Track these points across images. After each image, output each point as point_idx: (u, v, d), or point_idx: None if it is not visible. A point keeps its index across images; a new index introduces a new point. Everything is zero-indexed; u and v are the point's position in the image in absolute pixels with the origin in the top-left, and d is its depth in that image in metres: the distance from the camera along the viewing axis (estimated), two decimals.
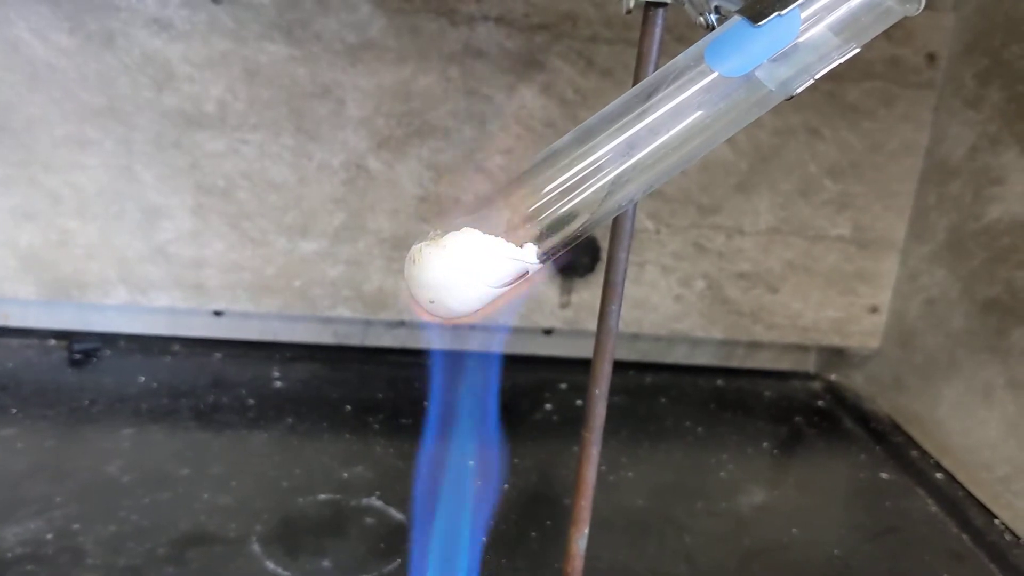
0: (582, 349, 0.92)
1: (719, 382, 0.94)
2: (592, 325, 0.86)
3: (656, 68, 0.33)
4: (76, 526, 0.61)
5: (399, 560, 0.61)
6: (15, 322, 0.86)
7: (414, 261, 0.26)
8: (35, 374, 0.81)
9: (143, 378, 0.82)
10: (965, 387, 0.78)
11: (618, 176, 0.25)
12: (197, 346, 0.88)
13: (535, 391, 0.87)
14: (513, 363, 0.88)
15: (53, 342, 0.86)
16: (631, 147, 0.25)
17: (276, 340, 0.90)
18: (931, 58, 0.83)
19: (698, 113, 0.25)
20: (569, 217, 0.25)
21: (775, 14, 0.24)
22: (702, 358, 0.95)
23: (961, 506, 0.75)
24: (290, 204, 0.81)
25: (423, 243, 0.26)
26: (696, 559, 0.65)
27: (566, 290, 0.87)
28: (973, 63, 0.80)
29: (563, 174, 0.25)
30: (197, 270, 0.82)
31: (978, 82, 0.79)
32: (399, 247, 0.83)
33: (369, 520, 0.65)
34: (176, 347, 0.87)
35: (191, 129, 0.78)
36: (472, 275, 0.25)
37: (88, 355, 0.84)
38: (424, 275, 0.25)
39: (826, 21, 0.25)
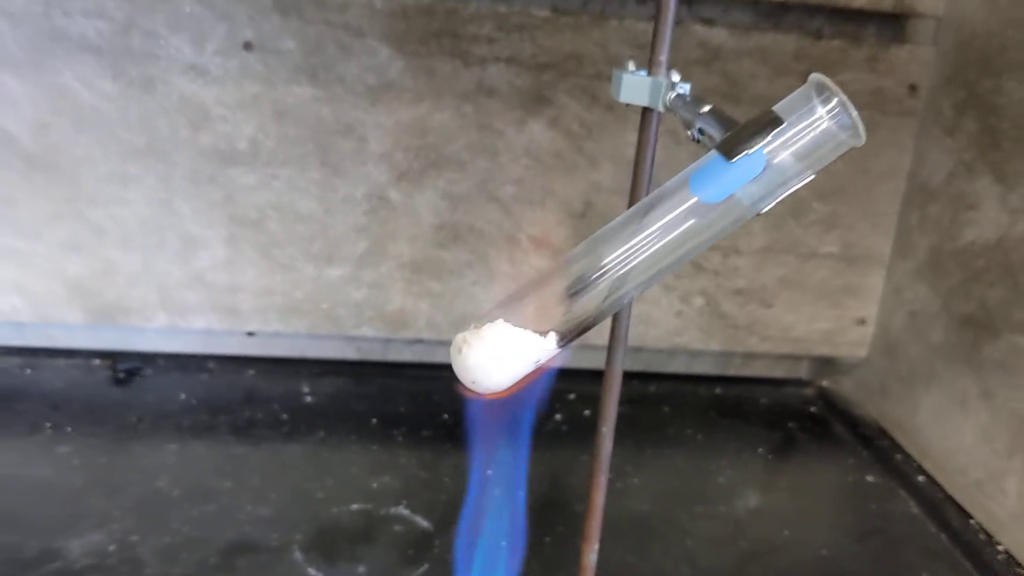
0: (590, 361, 0.98)
1: (718, 390, 1.00)
2: (598, 340, 0.93)
3: (652, 162, 0.39)
4: (134, 538, 0.68)
5: (427, 565, 0.68)
6: (61, 343, 0.92)
7: (459, 350, 0.32)
8: (83, 392, 0.87)
9: (183, 395, 0.88)
10: (943, 396, 0.85)
11: (621, 279, 0.31)
12: (231, 363, 0.94)
13: (546, 401, 0.93)
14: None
15: (97, 362, 0.92)
16: (632, 257, 0.31)
17: (303, 356, 0.96)
18: (912, 88, 0.89)
19: (686, 227, 0.31)
20: (582, 313, 0.31)
21: (744, 153, 0.30)
22: (701, 367, 1.01)
23: (940, 508, 0.81)
24: (317, 233, 0.87)
25: (466, 332, 0.32)
26: (697, 561, 0.72)
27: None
28: (951, 94, 0.86)
29: (579, 277, 0.32)
30: (231, 295, 0.88)
31: (955, 112, 0.85)
32: (418, 271, 0.89)
33: (398, 528, 0.72)
34: (211, 364, 0.94)
35: (225, 165, 0.84)
36: (505, 362, 0.31)
37: (131, 374, 0.91)
38: (467, 362, 0.31)
39: (791, 150, 0.31)
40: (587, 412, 0.92)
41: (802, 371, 1.04)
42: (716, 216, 0.31)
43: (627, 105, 0.40)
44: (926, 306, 0.88)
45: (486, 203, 0.88)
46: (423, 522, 0.73)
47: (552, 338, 0.32)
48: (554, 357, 0.32)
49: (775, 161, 0.31)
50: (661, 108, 0.36)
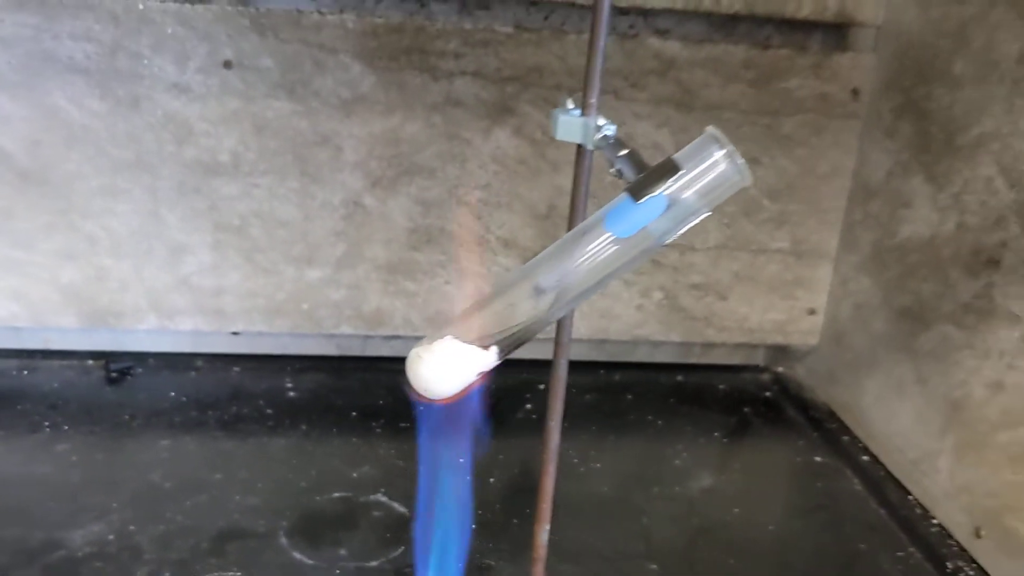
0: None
1: (679, 378, 1.06)
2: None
3: (587, 193, 0.45)
4: (132, 527, 0.73)
5: (403, 547, 0.73)
6: (56, 345, 0.97)
7: (413, 363, 0.37)
8: (78, 392, 0.93)
9: (173, 393, 0.93)
10: (884, 381, 0.91)
11: (551, 301, 0.37)
12: (218, 361, 1.00)
13: (518, 391, 0.99)
14: (500, 366, 1.00)
15: (90, 362, 0.98)
16: (559, 282, 0.37)
17: (286, 353, 1.02)
18: (855, 93, 0.95)
19: (604, 256, 0.37)
20: (519, 329, 0.37)
21: (649, 195, 0.36)
22: (663, 356, 1.07)
23: (881, 485, 0.88)
24: (297, 238, 0.93)
25: (419, 348, 0.38)
26: (651, 538, 0.78)
27: None
28: (890, 99, 0.92)
29: (515, 299, 0.37)
30: (217, 298, 0.94)
31: (893, 116, 0.91)
32: (393, 272, 0.95)
33: (376, 513, 0.77)
34: (199, 363, 0.99)
35: (209, 176, 0.89)
36: (452, 372, 0.37)
37: (123, 373, 0.96)
38: (420, 373, 0.37)
39: (691, 191, 0.37)
40: None
41: (759, 358, 1.10)
42: (629, 246, 0.37)
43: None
44: (869, 298, 0.95)
45: (456, 207, 0.94)
46: (400, 508, 0.78)
47: (493, 351, 0.37)
48: (494, 365, 0.38)
49: (680, 199, 0.36)
50: (590, 147, 0.42)
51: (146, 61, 0.85)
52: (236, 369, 0.99)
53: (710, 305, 1.02)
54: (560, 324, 0.49)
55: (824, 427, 0.98)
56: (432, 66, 0.89)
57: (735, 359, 1.09)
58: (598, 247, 0.37)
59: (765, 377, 1.08)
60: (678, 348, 1.07)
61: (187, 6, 0.84)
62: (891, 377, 0.90)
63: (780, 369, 1.09)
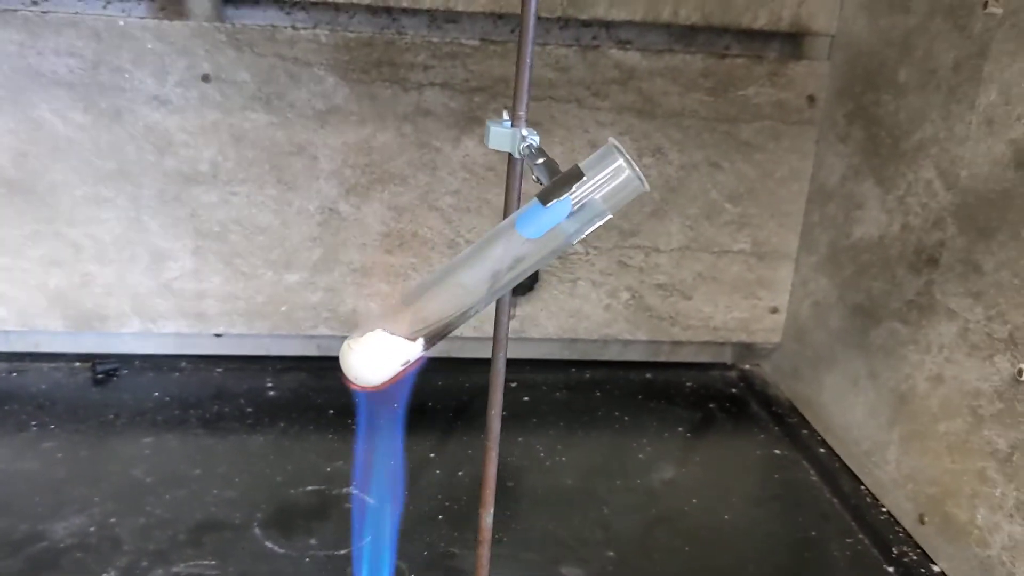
0: (527, 351, 1.08)
1: (648, 375, 1.10)
2: (534, 333, 1.03)
3: (519, 198, 0.49)
4: (113, 520, 0.77)
5: (370, 536, 0.77)
6: (44, 348, 1.01)
7: (345, 353, 0.41)
8: (65, 393, 0.96)
9: (157, 393, 0.97)
10: (840, 376, 0.95)
11: (470, 295, 0.41)
12: (201, 362, 1.03)
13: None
14: (472, 365, 1.03)
15: (77, 364, 1.01)
16: (477, 278, 0.41)
17: (268, 354, 1.05)
18: (811, 99, 0.99)
19: (517, 254, 0.41)
20: (444, 322, 0.41)
21: (555, 200, 0.39)
22: (633, 355, 1.11)
23: (836, 476, 0.91)
24: (275, 243, 0.96)
25: (349, 340, 0.41)
26: (611, 526, 0.81)
27: (512, 305, 1.02)
28: (842, 105, 0.95)
29: (439, 295, 0.41)
30: (199, 301, 0.98)
31: (846, 121, 0.95)
32: (368, 275, 0.99)
33: (347, 505, 0.81)
34: (183, 364, 1.03)
35: (189, 185, 0.93)
36: (380, 362, 0.40)
37: (109, 375, 1.00)
38: (351, 362, 0.41)
39: (595, 195, 0.40)
40: (526, 399, 1.02)
41: (727, 356, 1.14)
42: (541, 245, 0.41)
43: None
44: (826, 296, 0.98)
45: (428, 212, 0.98)
46: (371, 501, 0.82)
47: (419, 342, 0.41)
48: (419, 357, 0.41)
49: (584, 202, 0.40)
50: (517, 155, 0.46)
51: (127, 75, 0.89)
52: (219, 370, 1.03)
53: (675, 304, 1.05)
54: (498, 322, 0.53)
55: (785, 422, 1.01)
56: (402, 78, 0.93)
57: (703, 357, 1.13)
58: (511, 247, 0.40)
59: (732, 374, 1.12)
60: (647, 347, 1.11)
61: (165, 22, 0.88)
62: (847, 372, 0.93)
63: (747, 367, 1.13)
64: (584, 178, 0.40)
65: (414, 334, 0.41)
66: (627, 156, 0.40)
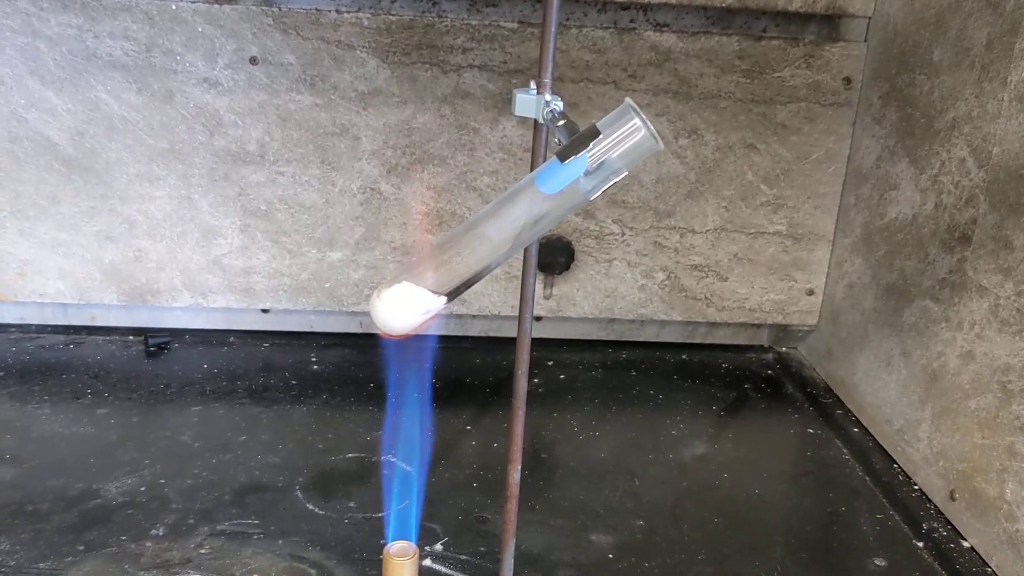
0: (563, 331, 1.10)
1: (684, 356, 1.11)
2: (571, 313, 1.05)
3: (545, 150, 0.51)
4: (162, 481, 0.81)
5: (407, 501, 0.79)
6: (99, 322, 1.06)
7: (373, 303, 0.44)
8: (119, 364, 1.01)
9: (206, 365, 1.01)
10: (874, 356, 0.95)
11: (492, 250, 0.43)
12: (248, 337, 1.07)
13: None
14: (509, 344, 1.05)
15: (131, 338, 1.06)
16: (499, 233, 0.43)
17: (313, 330, 1.09)
18: (847, 81, 0.99)
19: (536, 210, 0.43)
20: (464, 275, 0.43)
21: (572, 157, 0.41)
22: (669, 336, 1.13)
23: (868, 454, 0.92)
24: (319, 222, 1.00)
25: (377, 291, 0.44)
26: (641, 497, 0.83)
27: (549, 284, 1.05)
28: (878, 87, 0.96)
29: (463, 250, 0.43)
30: (246, 277, 1.01)
31: (881, 103, 0.95)
32: (408, 253, 1.01)
33: (386, 472, 0.84)
34: (232, 339, 1.07)
35: (237, 165, 0.97)
36: (406, 313, 0.43)
37: (160, 348, 1.04)
38: (378, 312, 0.43)
39: (611, 154, 0.42)
40: (562, 376, 1.04)
41: (763, 338, 1.14)
42: (559, 202, 0.43)
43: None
44: (860, 277, 0.99)
45: (466, 192, 1.00)
46: (407, 467, 0.85)
47: (442, 296, 0.43)
48: (443, 307, 0.44)
49: (602, 160, 0.42)
50: (542, 120, 0.48)
51: (179, 57, 0.92)
52: (266, 345, 1.06)
53: (711, 285, 1.06)
54: (524, 283, 0.55)
55: (819, 402, 1.02)
56: (442, 60, 0.95)
57: (740, 339, 1.14)
58: (531, 203, 0.43)
59: (768, 356, 1.13)
60: (684, 328, 1.12)
61: (215, 6, 0.91)
62: (880, 352, 0.94)
63: (783, 349, 1.14)
64: (600, 136, 0.42)
65: (438, 287, 0.43)
66: (642, 115, 0.41)
